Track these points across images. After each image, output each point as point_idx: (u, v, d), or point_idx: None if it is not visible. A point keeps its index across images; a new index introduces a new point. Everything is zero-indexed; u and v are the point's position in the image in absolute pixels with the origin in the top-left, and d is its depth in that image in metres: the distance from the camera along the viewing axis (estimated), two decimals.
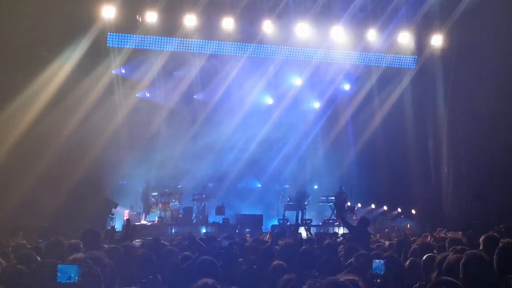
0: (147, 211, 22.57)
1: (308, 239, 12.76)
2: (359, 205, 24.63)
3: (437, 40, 23.35)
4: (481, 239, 7.59)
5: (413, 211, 24.02)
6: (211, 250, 8.51)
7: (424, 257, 7.00)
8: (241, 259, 8.01)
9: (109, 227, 17.61)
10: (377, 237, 16.35)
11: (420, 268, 6.96)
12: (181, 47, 22.04)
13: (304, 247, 8.62)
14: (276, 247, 9.34)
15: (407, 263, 7.07)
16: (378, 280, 6.04)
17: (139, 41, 21.54)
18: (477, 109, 22.82)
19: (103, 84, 21.21)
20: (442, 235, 14.10)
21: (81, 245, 8.16)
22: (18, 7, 17.74)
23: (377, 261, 6.20)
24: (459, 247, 7.80)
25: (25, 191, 17.55)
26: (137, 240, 11.57)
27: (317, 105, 26.37)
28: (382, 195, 24.88)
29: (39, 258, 7.98)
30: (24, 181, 17.68)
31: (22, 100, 18.51)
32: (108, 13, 20.37)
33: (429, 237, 12.56)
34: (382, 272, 6.09)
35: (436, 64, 23.75)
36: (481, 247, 7.51)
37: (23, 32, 17.89)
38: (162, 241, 10.10)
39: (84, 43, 20.02)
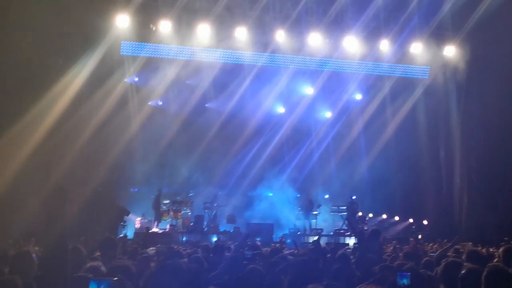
0: (158, 219, 22.56)
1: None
2: (371, 215, 24.55)
3: (449, 51, 23.35)
4: (500, 250, 7.56)
5: (425, 222, 23.93)
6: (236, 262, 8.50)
7: (443, 267, 6.96)
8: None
9: (121, 236, 17.72)
10: (390, 249, 16.30)
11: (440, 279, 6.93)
12: (194, 56, 22.14)
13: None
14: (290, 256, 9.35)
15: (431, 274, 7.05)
16: None
17: (153, 50, 21.71)
18: (489, 120, 22.77)
19: (117, 93, 21.35)
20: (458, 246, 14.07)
21: (97, 254, 8.19)
22: (34, 17, 17.85)
23: (402, 273, 6.21)
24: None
25: (42, 199, 17.61)
26: (150, 248, 11.60)
27: (328, 114, 26.35)
28: (394, 205, 24.83)
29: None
30: (39, 189, 17.75)
31: (37, 109, 18.62)
32: (122, 22, 20.52)
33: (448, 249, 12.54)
34: (407, 283, 6.10)
35: (449, 75, 23.74)
36: (498, 259, 7.49)
37: (39, 42, 18.04)
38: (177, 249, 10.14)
39: (98, 52, 20.16)
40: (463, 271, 6.07)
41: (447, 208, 24.31)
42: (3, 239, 14.44)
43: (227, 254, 9.67)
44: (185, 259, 8.68)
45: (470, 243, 17.60)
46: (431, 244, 18.84)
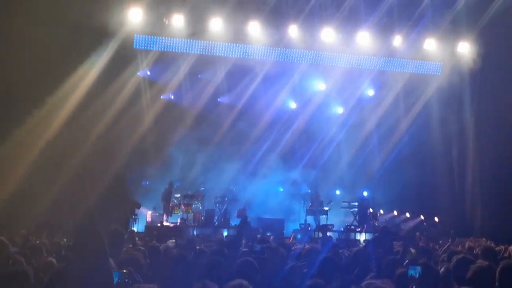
0: (167, 211, 22.59)
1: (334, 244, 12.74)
2: (381, 211, 24.49)
3: (463, 47, 23.23)
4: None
5: (436, 219, 23.85)
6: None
7: (455, 263, 6.95)
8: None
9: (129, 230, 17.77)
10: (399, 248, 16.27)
11: (451, 275, 6.92)
12: (207, 50, 22.13)
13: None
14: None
15: (441, 270, 7.03)
16: (414, 287, 6.05)
17: (166, 44, 21.71)
18: (503, 117, 22.64)
19: (130, 87, 21.45)
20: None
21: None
22: (47, 11, 17.93)
23: (413, 266, 6.25)
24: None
25: (55, 193, 17.74)
26: (170, 240, 11.65)
27: (340, 110, 26.26)
28: (405, 202, 24.75)
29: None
30: (53, 183, 17.88)
31: (51, 103, 18.77)
32: (135, 15, 20.54)
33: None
34: (418, 275, 6.13)
35: (462, 71, 23.60)
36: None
37: (53, 35, 18.12)
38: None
39: (111, 46, 20.26)
40: (475, 267, 6.07)
41: (459, 205, 24.21)
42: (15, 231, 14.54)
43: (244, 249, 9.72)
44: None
45: (483, 239, 17.61)
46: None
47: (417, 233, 18.39)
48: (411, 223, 23.88)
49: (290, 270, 7.52)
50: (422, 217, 24.15)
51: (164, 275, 6.61)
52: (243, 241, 12.11)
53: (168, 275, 6.51)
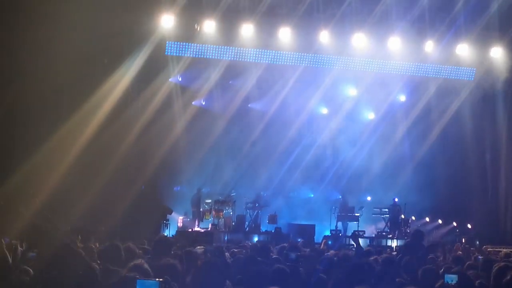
0: (197, 217, 22.72)
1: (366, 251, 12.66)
2: (413, 218, 24.29)
3: (496, 52, 22.97)
4: None
5: (469, 226, 23.62)
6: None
7: (495, 272, 6.89)
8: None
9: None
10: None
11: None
12: (238, 56, 22.23)
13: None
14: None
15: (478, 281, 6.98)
16: None
17: (197, 50, 21.87)
18: None
19: (163, 93, 21.64)
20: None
21: (137, 250, 8.24)
22: (81, 17, 18.20)
23: (450, 275, 6.27)
24: None
25: (90, 198, 17.95)
26: (198, 247, 11.69)
27: (371, 116, 26.12)
28: (437, 209, 24.55)
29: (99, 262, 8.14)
30: (88, 188, 18.09)
31: (85, 109, 19.00)
32: (167, 22, 20.71)
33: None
34: (454, 282, 6.15)
35: (495, 76, 23.33)
36: None
37: (86, 42, 18.39)
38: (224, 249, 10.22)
39: (144, 52, 20.45)
40: (508, 276, 6.03)
41: (492, 212, 23.93)
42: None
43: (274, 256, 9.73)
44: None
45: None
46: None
47: (457, 244, 18.17)
48: (444, 230, 23.67)
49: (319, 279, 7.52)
50: (454, 223, 23.93)
51: (199, 281, 6.66)
52: (274, 248, 12.10)
53: (203, 281, 6.56)
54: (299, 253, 9.25)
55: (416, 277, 7.71)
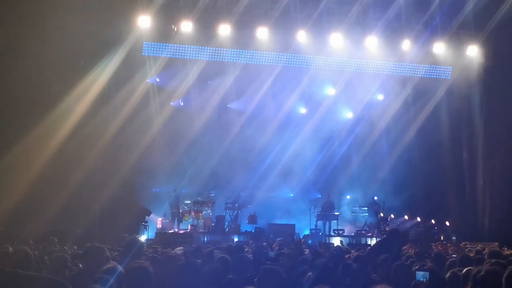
0: (175, 218, 22.63)
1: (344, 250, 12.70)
2: (392, 216, 24.40)
3: (472, 51, 23.17)
4: None
5: (447, 223, 23.78)
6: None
7: (464, 270, 6.95)
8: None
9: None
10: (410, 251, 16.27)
11: (460, 280, 6.91)
12: (216, 56, 22.22)
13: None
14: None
15: (447, 275, 7.03)
16: None
17: (174, 50, 21.81)
18: None
19: (139, 93, 21.51)
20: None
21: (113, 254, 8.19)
22: (57, 18, 18.08)
23: (421, 272, 6.30)
24: (494, 260, 7.75)
25: (64, 199, 17.82)
26: (178, 248, 11.67)
27: (350, 115, 26.20)
28: (416, 206, 24.67)
29: (81, 265, 8.07)
30: (63, 189, 17.95)
31: (60, 110, 18.86)
32: (144, 22, 20.66)
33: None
34: (426, 280, 6.18)
35: (471, 75, 23.52)
36: None
37: (62, 42, 18.26)
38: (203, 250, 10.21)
39: (120, 53, 20.36)
40: (481, 272, 6.06)
41: (470, 209, 24.10)
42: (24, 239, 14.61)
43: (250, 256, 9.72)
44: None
45: (496, 243, 17.57)
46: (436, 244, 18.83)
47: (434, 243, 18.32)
48: (422, 227, 23.79)
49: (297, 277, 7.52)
50: (433, 221, 24.08)
51: (172, 284, 6.63)
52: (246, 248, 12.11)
53: (176, 284, 6.53)
54: (278, 252, 9.27)
55: (389, 274, 7.73)
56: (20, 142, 17.91)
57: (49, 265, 8.66)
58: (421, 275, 6.42)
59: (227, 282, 6.93)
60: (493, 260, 7.68)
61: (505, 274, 5.62)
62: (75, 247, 13.41)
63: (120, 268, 6.04)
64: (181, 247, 11.62)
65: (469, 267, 7.12)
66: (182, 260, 7.67)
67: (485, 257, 9.12)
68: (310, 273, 7.18)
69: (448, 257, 10.81)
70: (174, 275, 6.61)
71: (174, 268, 6.89)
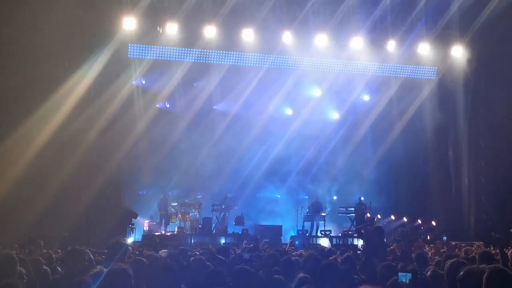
0: (164, 220, 22.59)
1: (328, 251, 12.70)
2: (379, 216, 24.44)
3: (457, 51, 23.26)
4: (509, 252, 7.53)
5: (433, 223, 23.87)
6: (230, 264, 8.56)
7: (447, 267, 6.95)
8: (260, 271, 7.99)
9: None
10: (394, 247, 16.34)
11: (443, 279, 6.92)
12: (201, 58, 22.21)
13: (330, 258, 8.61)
14: (297, 258, 9.36)
15: (428, 273, 7.04)
16: None
17: (160, 52, 21.75)
18: (497, 120, 22.70)
19: (124, 95, 21.41)
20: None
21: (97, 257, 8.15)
22: (41, 19, 17.98)
23: (403, 273, 6.29)
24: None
25: (47, 201, 17.70)
26: (163, 250, 11.65)
27: (336, 115, 26.26)
28: (402, 206, 24.75)
29: (59, 269, 8.02)
30: (46, 191, 17.81)
31: (43, 111, 18.73)
32: (129, 24, 20.58)
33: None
34: (407, 281, 6.17)
35: (456, 75, 23.64)
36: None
37: (46, 43, 18.16)
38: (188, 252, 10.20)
39: (105, 54, 20.25)
40: (461, 272, 6.07)
41: (456, 208, 24.22)
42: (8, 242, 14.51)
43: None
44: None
45: (482, 243, 17.64)
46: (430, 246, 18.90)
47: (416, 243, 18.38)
48: (408, 227, 23.85)
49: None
50: (419, 221, 24.15)
51: (151, 285, 6.62)
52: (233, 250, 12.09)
53: (154, 286, 6.52)
54: (254, 254, 9.25)
55: (376, 275, 7.73)
56: (2, 144, 17.78)
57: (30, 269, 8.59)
58: (403, 276, 6.40)
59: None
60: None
61: (485, 274, 5.63)
62: (59, 251, 13.34)
63: (104, 270, 6.02)
64: (165, 250, 11.59)
65: (449, 265, 7.13)
66: (164, 261, 7.64)
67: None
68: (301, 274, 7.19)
69: (436, 257, 10.86)
70: (154, 277, 6.60)
71: (156, 270, 6.87)
